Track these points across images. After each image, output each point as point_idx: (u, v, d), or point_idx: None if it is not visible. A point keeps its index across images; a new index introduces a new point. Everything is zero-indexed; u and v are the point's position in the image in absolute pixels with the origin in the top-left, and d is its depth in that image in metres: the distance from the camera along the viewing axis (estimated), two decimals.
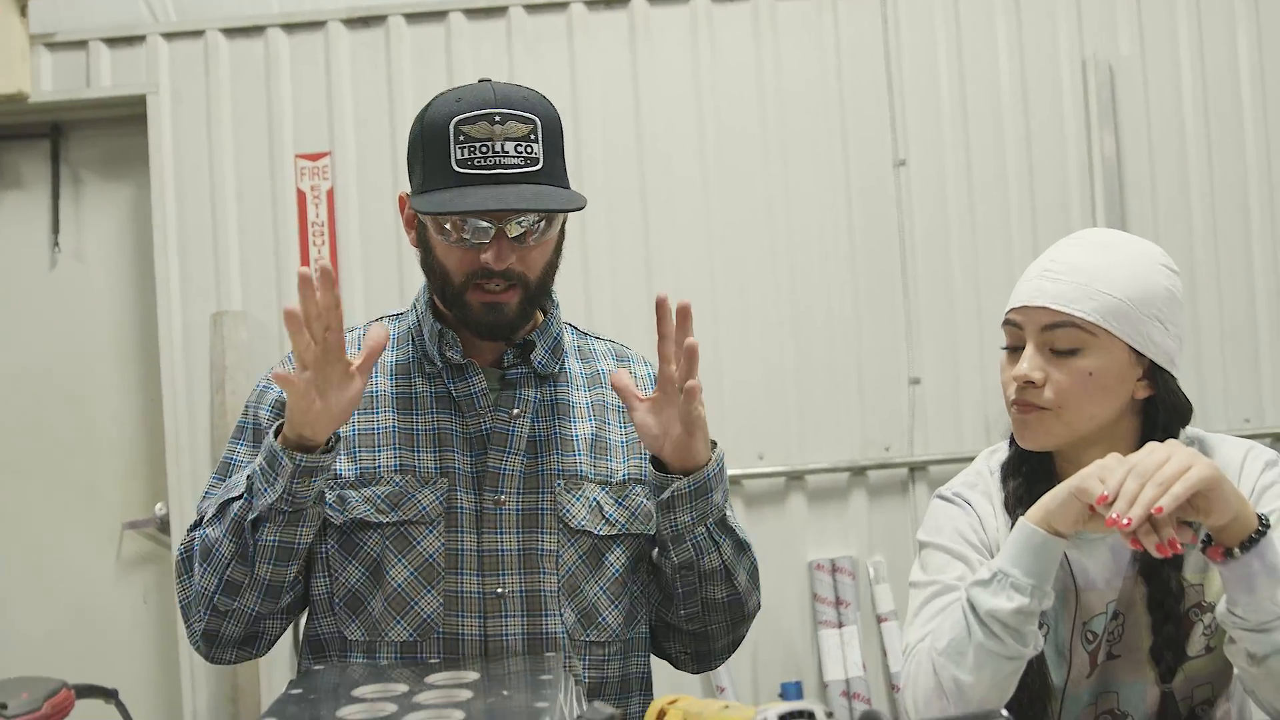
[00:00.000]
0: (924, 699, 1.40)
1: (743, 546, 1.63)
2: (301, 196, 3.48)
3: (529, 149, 1.51)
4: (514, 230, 1.51)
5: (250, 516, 1.48)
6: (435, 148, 1.51)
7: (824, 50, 3.54)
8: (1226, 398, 3.49)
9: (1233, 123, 3.59)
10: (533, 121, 1.52)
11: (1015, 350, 1.50)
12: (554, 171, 1.54)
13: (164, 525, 3.47)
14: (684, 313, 1.48)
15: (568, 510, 1.60)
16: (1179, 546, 1.27)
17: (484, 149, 1.49)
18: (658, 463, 1.54)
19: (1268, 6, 3.60)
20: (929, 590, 1.50)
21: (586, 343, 1.75)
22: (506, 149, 1.50)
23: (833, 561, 3.46)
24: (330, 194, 3.47)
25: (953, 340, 3.52)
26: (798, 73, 3.54)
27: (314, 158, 3.48)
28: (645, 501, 1.65)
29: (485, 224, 1.51)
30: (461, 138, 1.50)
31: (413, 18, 3.50)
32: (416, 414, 1.61)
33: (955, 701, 1.37)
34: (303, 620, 1.67)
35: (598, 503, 1.62)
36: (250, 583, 1.52)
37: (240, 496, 1.51)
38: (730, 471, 3.44)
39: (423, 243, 1.59)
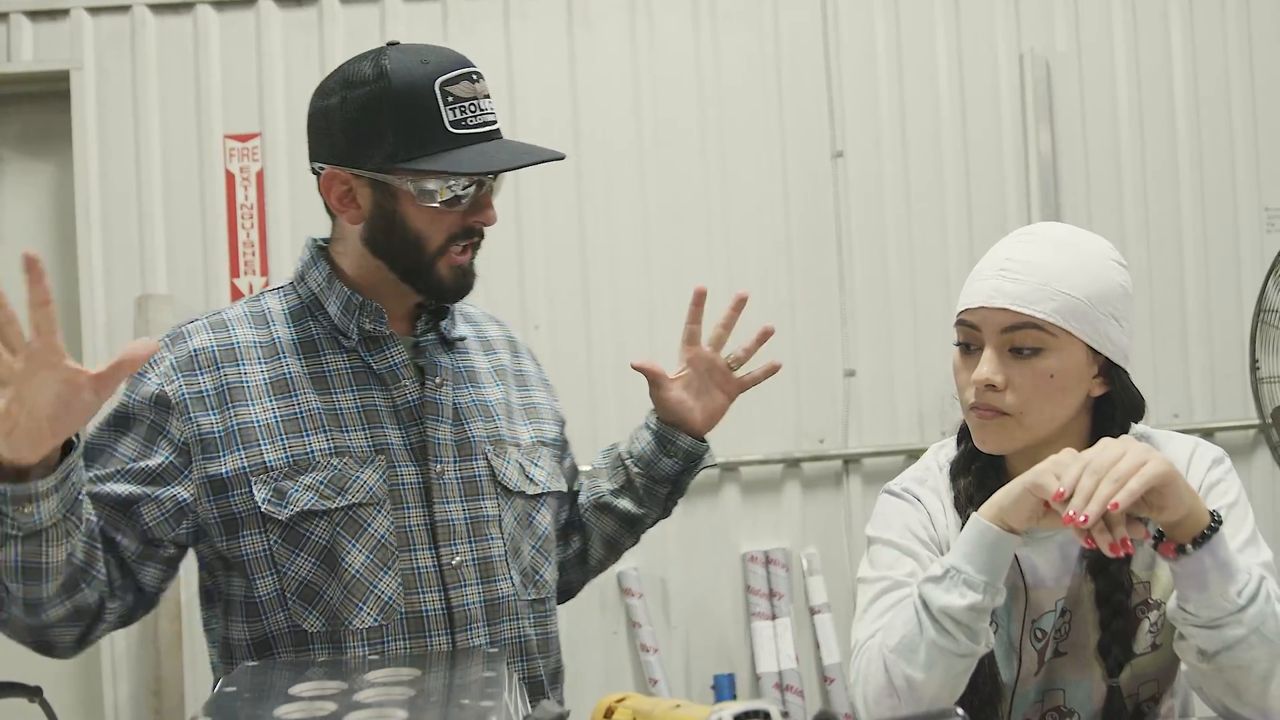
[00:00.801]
0: (874, 696, 1.39)
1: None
2: (230, 178, 3.41)
3: (493, 104, 1.55)
4: (497, 188, 1.55)
5: None
6: (418, 112, 1.47)
7: (763, 40, 3.53)
8: (1156, 393, 3.53)
9: (1165, 119, 3.62)
10: (485, 77, 1.56)
11: (968, 349, 1.48)
12: None
13: None
14: (740, 302, 1.75)
15: (503, 474, 1.61)
16: (1131, 547, 1.26)
17: (472, 108, 1.50)
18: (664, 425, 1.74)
19: (1201, 4, 3.64)
20: (878, 586, 1.48)
21: (463, 306, 1.75)
22: (486, 106, 1.52)
23: (766, 554, 3.45)
24: (260, 176, 3.41)
25: (888, 333, 3.53)
26: (737, 62, 3.52)
27: (243, 139, 3.41)
28: (554, 465, 1.72)
29: (485, 182, 1.53)
30: (450, 99, 1.48)
31: None
32: (337, 392, 1.55)
33: (906, 699, 1.35)
34: (229, 623, 1.57)
35: (520, 464, 1.64)
36: (9, 599, 1.39)
37: None
38: None
39: (383, 216, 1.52)
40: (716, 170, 3.50)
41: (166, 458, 1.50)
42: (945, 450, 1.60)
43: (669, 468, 1.76)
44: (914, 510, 1.54)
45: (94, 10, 3.41)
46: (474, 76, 1.51)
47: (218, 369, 1.54)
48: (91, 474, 1.49)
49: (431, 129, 1.47)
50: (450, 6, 3.45)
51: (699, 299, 1.74)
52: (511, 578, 1.60)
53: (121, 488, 1.49)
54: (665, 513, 1.82)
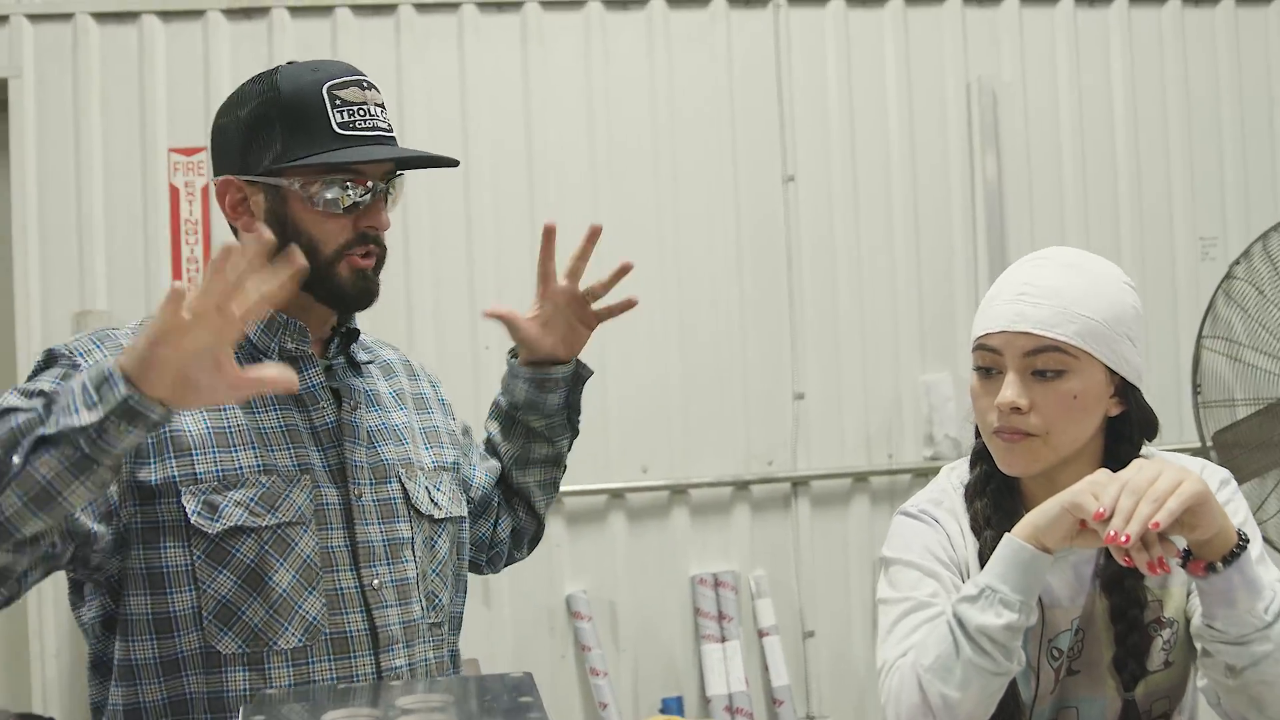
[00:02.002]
0: (909, 715, 1.40)
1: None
2: (175, 192, 3.34)
3: (388, 116, 1.57)
4: (391, 193, 1.56)
5: (37, 432, 1.23)
6: (305, 115, 1.49)
7: (716, 63, 3.55)
8: None
9: (1106, 148, 3.71)
10: (380, 89, 1.58)
11: (988, 373, 1.51)
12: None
13: None
14: (594, 235, 1.79)
15: (416, 497, 1.62)
16: (1168, 566, 1.30)
17: (360, 111, 1.52)
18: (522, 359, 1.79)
19: (1140, 35, 3.73)
20: (902, 607, 1.50)
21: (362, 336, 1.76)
22: (376, 113, 1.54)
23: (715, 576, 3.45)
24: (205, 191, 3.34)
25: (836, 356, 3.55)
26: (690, 84, 3.53)
27: (189, 152, 3.34)
28: (455, 488, 1.72)
29: (375, 185, 1.53)
30: (338, 102, 1.51)
31: (297, 11, 3.39)
32: (259, 410, 1.53)
33: (942, 717, 1.38)
34: (130, 644, 1.48)
35: (426, 489, 1.65)
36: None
37: (27, 409, 1.26)
38: (613, 485, 3.43)
39: (275, 221, 1.51)
40: (668, 193, 3.51)
41: None
42: (957, 472, 1.62)
43: (558, 399, 1.81)
44: (933, 532, 1.56)
45: (34, 17, 3.32)
46: (364, 84, 1.54)
47: None
48: None
49: (317, 129, 1.49)
50: (403, 23, 3.42)
51: (549, 235, 1.78)
52: (421, 601, 1.61)
53: None
54: (576, 432, 1.87)
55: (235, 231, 1.57)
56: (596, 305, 1.80)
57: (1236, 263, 3.43)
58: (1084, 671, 1.52)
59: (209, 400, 1.28)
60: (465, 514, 1.74)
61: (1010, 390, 1.46)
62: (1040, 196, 3.66)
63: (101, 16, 3.34)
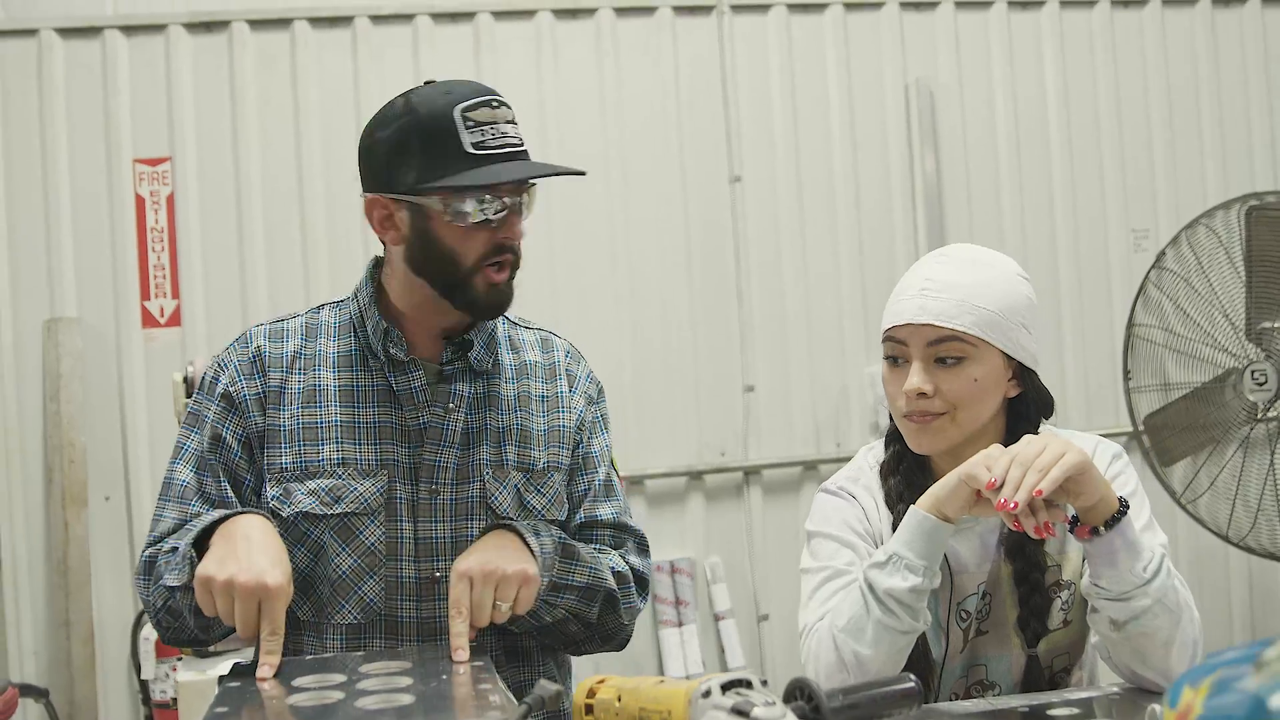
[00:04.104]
0: (826, 672, 1.53)
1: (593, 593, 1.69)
2: (140, 202, 3.44)
3: (518, 130, 1.63)
4: (525, 204, 1.63)
5: (164, 579, 1.54)
6: (439, 138, 1.57)
7: (663, 69, 3.67)
8: None
9: (1041, 145, 3.85)
10: (511, 105, 1.64)
11: (896, 362, 1.64)
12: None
13: None
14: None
15: (495, 499, 1.68)
16: (1053, 530, 1.44)
17: (492, 131, 1.59)
18: None
19: (1072, 36, 3.88)
20: (821, 575, 1.63)
21: (516, 332, 1.82)
22: (508, 130, 1.61)
23: (672, 563, 3.57)
24: (170, 200, 3.44)
25: (784, 349, 3.68)
26: (638, 90, 3.65)
27: (153, 163, 3.44)
28: (560, 489, 1.73)
29: (510, 199, 1.60)
30: (470, 124, 1.58)
31: (256, 24, 3.49)
32: (359, 407, 1.67)
33: (855, 673, 1.50)
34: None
35: (518, 490, 1.70)
36: (184, 617, 1.57)
37: (171, 549, 1.56)
38: None
39: (419, 236, 1.61)
40: (619, 195, 3.63)
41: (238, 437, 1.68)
42: (874, 452, 1.75)
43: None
44: (850, 506, 1.70)
45: (0, 34, 3.41)
46: (494, 103, 1.61)
47: (266, 374, 1.68)
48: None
49: (453, 152, 1.57)
50: (359, 34, 3.53)
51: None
52: None
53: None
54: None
55: (384, 245, 1.68)
56: None
57: (1163, 253, 3.57)
58: (991, 631, 1.65)
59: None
60: (561, 518, 1.74)
61: (916, 378, 1.60)
62: (978, 192, 3.80)
63: (65, 32, 3.44)
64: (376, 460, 1.65)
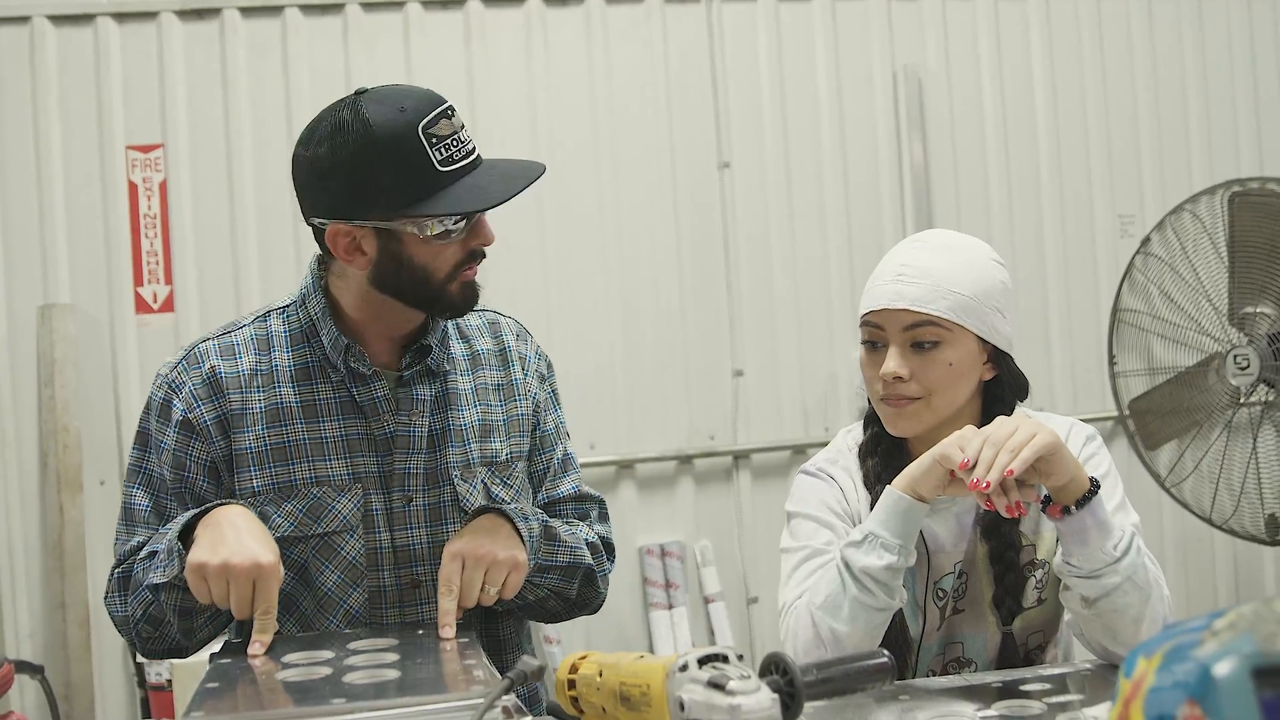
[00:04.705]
0: (804, 649, 1.57)
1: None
2: (133, 188, 3.45)
3: (468, 131, 1.61)
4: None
5: (148, 580, 1.54)
6: (411, 161, 1.52)
7: (652, 55, 3.69)
8: None
9: (1028, 131, 3.87)
10: (450, 100, 1.61)
11: (874, 346, 1.67)
12: None
13: None
14: None
15: (466, 499, 1.69)
16: (1024, 509, 1.48)
17: (454, 143, 1.56)
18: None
19: (1059, 25, 3.90)
20: (800, 554, 1.67)
21: (463, 319, 1.79)
22: (463, 137, 1.58)
23: (662, 546, 3.61)
24: (163, 186, 3.46)
25: (773, 334, 3.71)
26: (627, 77, 3.67)
27: (146, 149, 3.46)
28: (524, 478, 1.77)
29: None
30: (434, 140, 1.53)
31: (248, 11, 3.50)
32: (323, 420, 1.66)
33: (832, 649, 1.54)
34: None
35: (485, 484, 1.72)
36: (166, 622, 1.59)
37: (150, 553, 1.56)
38: None
39: (390, 258, 1.58)
40: (609, 181, 3.65)
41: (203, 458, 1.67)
42: (853, 434, 1.79)
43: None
44: (828, 487, 1.73)
45: None
46: (449, 112, 1.57)
47: (225, 396, 1.66)
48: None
49: (425, 175, 1.53)
50: (351, 22, 3.54)
51: None
52: None
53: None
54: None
55: (332, 258, 1.64)
56: None
57: (1149, 238, 3.60)
58: (967, 609, 1.69)
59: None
60: (527, 506, 1.75)
61: (892, 362, 1.63)
62: (965, 178, 3.83)
63: (58, 19, 3.45)
64: (349, 474, 1.65)
